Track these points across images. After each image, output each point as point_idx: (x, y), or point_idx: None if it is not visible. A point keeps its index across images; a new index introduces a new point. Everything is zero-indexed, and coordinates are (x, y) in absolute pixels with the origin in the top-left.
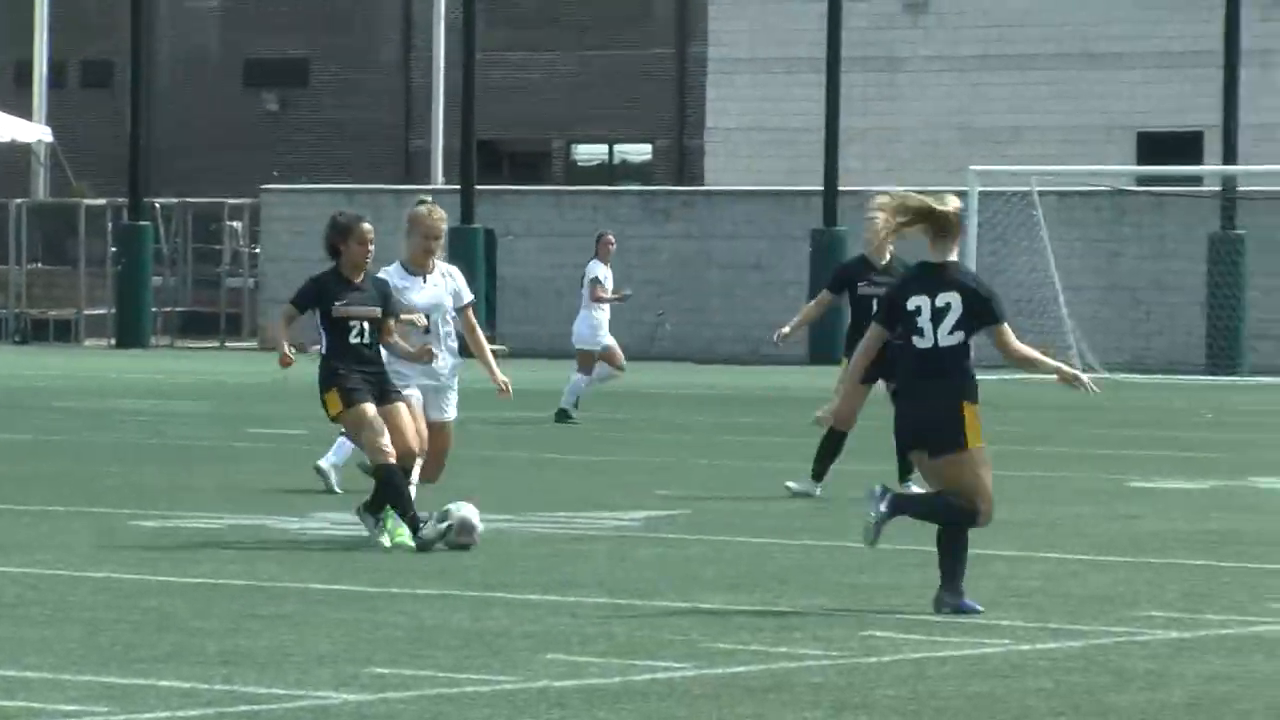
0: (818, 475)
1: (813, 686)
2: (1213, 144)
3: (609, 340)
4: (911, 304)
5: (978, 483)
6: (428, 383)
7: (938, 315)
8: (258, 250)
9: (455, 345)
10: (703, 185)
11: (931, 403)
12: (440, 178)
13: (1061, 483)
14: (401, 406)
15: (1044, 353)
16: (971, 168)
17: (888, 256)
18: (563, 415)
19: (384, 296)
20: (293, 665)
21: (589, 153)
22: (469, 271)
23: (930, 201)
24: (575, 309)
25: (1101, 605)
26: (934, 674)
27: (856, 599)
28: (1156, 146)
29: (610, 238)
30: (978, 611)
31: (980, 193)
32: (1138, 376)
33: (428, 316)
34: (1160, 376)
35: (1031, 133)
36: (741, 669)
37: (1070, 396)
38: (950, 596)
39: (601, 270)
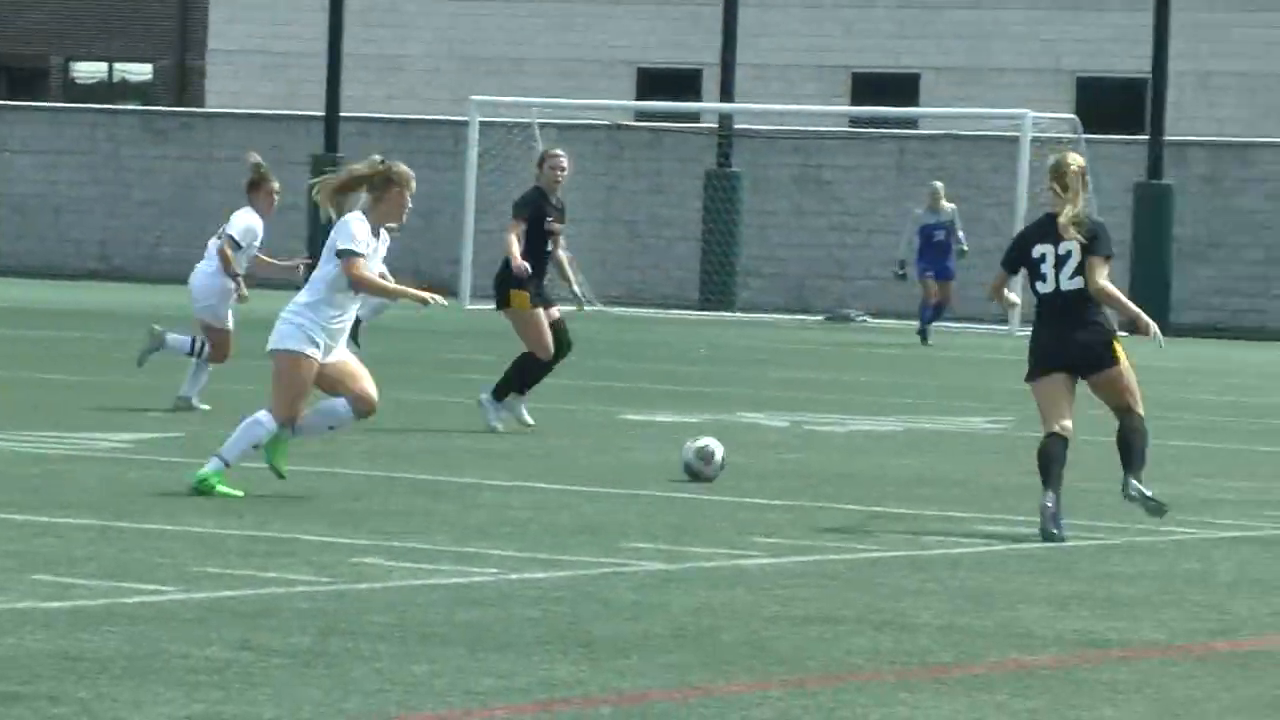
0: (521, 391)
1: (301, 612)
2: (710, 82)
3: None
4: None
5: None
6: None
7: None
8: None
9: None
10: (203, 107)
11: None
12: None
13: (555, 414)
14: None
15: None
16: (473, 97)
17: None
18: None
19: None
20: None
21: (88, 70)
22: None
23: None
24: (71, 226)
25: (591, 536)
26: (423, 601)
27: (349, 526)
28: (655, 82)
29: (276, 186)
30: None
31: (481, 123)
32: (633, 310)
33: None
34: (655, 311)
35: (533, 64)
36: (230, 593)
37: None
38: (1134, 488)
39: None
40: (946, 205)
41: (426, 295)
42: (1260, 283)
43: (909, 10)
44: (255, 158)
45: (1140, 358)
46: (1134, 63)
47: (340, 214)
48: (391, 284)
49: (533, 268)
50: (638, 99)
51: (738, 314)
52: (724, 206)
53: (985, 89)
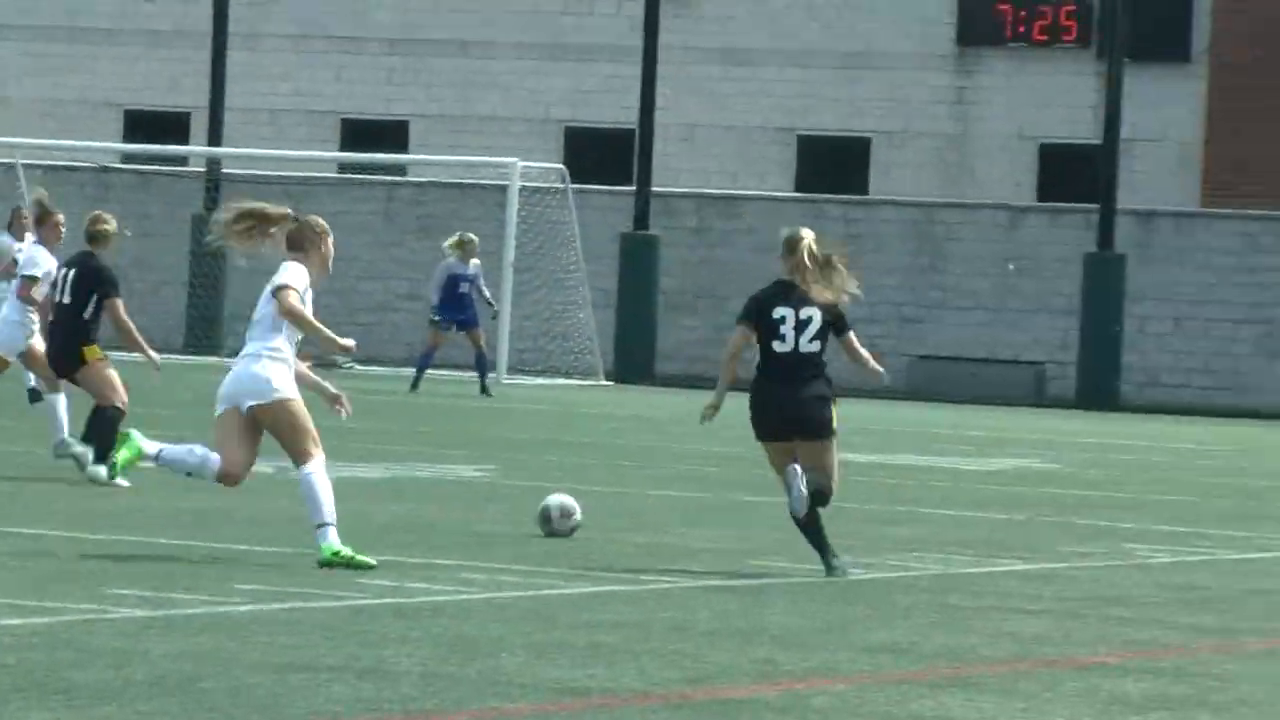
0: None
1: None
2: (199, 125)
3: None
4: (777, 314)
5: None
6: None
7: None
8: None
9: None
10: None
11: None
12: None
13: (32, 459)
14: None
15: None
16: None
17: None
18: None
19: None
20: None
21: None
22: None
23: None
24: None
25: (71, 582)
26: None
27: None
28: (143, 125)
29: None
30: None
31: None
32: (117, 354)
33: None
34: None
35: (16, 105)
36: None
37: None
38: (836, 560)
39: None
40: (475, 260)
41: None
42: None
43: (398, 57)
44: (40, 193)
45: (645, 407)
46: (622, 114)
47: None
48: (317, 322)
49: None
50: (125, 141)
51: (225, 359)
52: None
53: (474, 137)
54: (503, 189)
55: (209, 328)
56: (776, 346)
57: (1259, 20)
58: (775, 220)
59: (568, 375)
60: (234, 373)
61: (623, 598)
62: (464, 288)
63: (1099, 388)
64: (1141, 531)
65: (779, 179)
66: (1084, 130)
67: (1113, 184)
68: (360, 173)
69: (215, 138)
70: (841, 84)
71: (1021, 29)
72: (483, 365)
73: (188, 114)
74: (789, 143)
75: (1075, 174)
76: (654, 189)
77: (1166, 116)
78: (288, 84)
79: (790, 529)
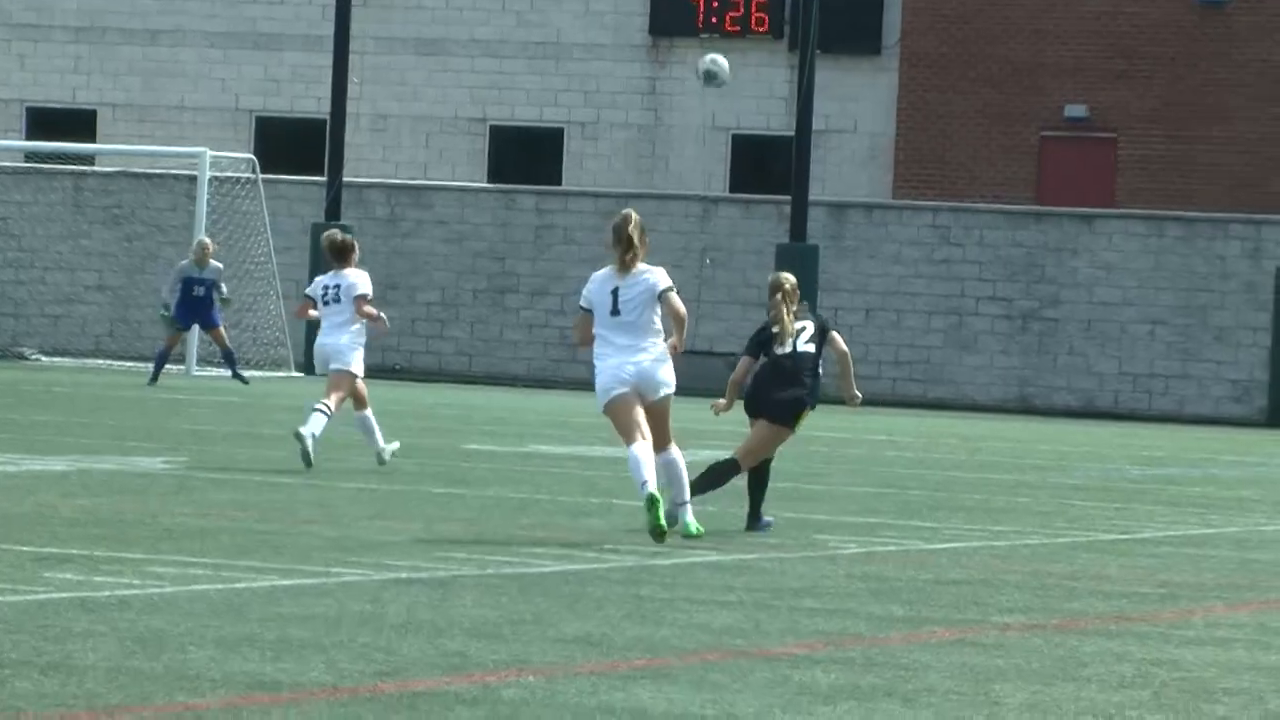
0: None
1: None
2: None
3: None
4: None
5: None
6: None
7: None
8: None
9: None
10: None
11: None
12: None
13: None
14: None
15: None
16: None
17: None
18: None
19: None
20: None
21: None
22: None
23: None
24: None
25: None
26: None
27: None
28: None
29: None
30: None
31: None
32: None
33: None
34: None
35: None
36: None
37: None
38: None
39: None
40: (213, 263)
41: None
42: (435, 324)
43: (85, 45)
44: None
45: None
46: (313, 103)
47: None
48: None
49: None
50: None
51: None
52: None
53: (163, 126)
54: (192, 179)
55: None
56: (778, 349)
57: (949, 14)
58: (467, 211)
59: (258, 367)
60: (642, 368)
61: (313, 591)
62: (198, 290)
63: None
64: (832, 523)
65: (471, 169)
66: (776, 122)
67: (805, 175)
68: (46, 162)
69: None
70: (534, 74)
71: (714, 20)
72: (231, 358)
73: None
74: (481, 133)
75: (768, 165)
76: (345, 179)
77: (858, 109)
78: None
79: (481, 521)
